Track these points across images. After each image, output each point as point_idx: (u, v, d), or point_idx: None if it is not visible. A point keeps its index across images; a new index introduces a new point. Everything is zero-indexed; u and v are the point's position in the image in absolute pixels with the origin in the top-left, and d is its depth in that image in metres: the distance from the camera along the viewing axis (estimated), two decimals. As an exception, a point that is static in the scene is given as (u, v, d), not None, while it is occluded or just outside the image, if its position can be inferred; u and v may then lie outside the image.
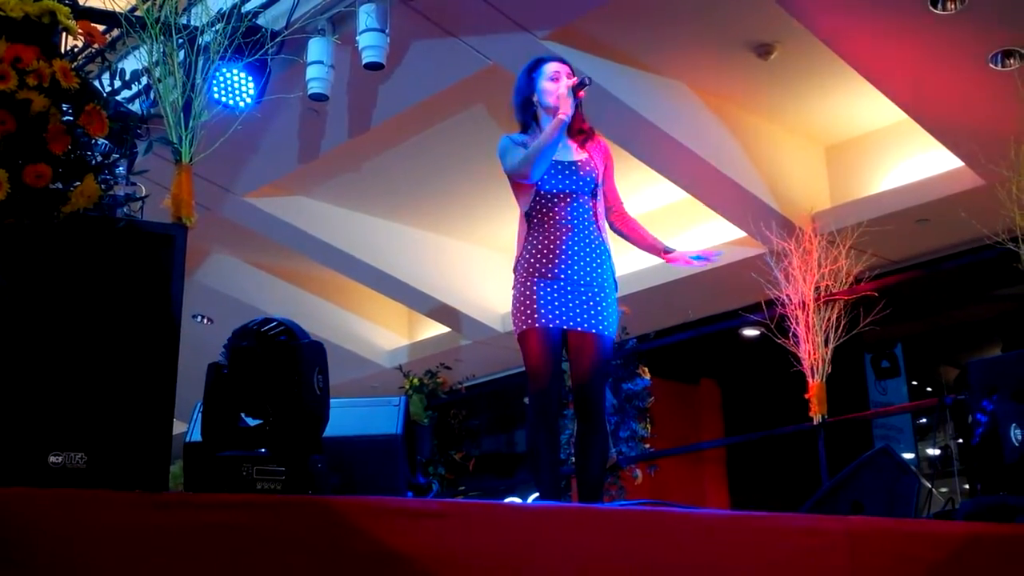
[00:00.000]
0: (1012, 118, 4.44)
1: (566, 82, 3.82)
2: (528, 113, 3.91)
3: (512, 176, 3.83)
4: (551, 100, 3.82)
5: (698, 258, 4.01)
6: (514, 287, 3.80)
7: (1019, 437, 3.41)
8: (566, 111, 3.74)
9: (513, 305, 3.79)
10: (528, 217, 3.81)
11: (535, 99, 3.88)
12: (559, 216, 3.78)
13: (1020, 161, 4.34)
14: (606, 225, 3.93)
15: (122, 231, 2.35)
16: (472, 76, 6.64)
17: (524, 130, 3.92)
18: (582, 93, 3.81)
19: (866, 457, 4.06)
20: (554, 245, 3.75)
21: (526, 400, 3.86)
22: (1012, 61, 5.77)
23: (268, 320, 2.75)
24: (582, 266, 3.77)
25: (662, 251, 4.02)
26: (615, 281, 3.88)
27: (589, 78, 3.84)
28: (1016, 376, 3.68)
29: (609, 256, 3.87)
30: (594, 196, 3.86)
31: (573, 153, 3.86)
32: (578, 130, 3.89)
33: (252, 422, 2.67)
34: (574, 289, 3.74)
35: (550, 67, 3.89)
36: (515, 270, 3.82)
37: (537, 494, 3.79)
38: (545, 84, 3.86)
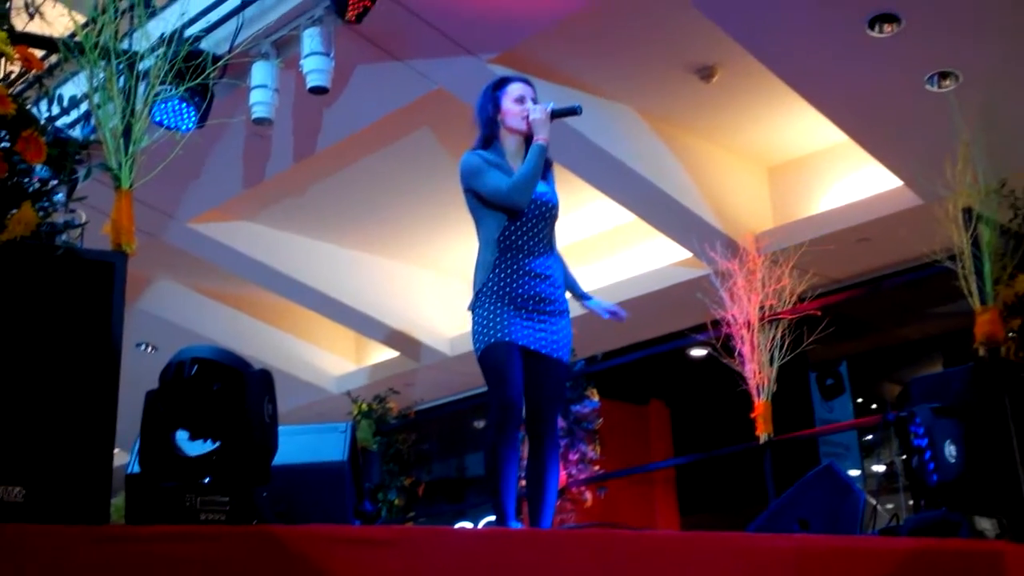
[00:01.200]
0: (948, 138, 4.52)
1: (534, 106, 3.83)
2: (492, 130, 3.89)
3: (498, 201, 3.77)
4: (515, 122, 3.85)
5: (610, 313, 4.06)
6: (478, 308, 3.76)
7: (953, 454, 3.46)
8: (545, 137, 3.77)
9: (478, 325, 3.74)
10: (497, 242, 3.79)
11: (499, 118, 3.87)
12: (528, 242, 3.80)
13: (957, 180, 4.41)
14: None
15: (60, 259, 2.32)
16: (418, 100, 6.65)
17: (485, 146, 3.90)
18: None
19: (811, 476, 4.11)
20: (523, 271, 3.76)
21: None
22: (948, 82, 5.90)
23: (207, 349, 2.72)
24: (548, 292, 3.80)
25: (581, 296, 4.08)
26: (567, 305, 3.91)
27: (580, 107, 3.86)
28: (954, 392, 3.75)
29: (563, 281, 3.92)
30: (554, 225, 3.90)
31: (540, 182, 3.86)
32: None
33: (192, 451, 2.63)
34: (540, 314, 3.76)
35: (515, 88, 3.89)
36: (480, 293, 3.78)
37: (491, 518, 3.76)
38: (510, 105, 3.86)
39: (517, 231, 3.78)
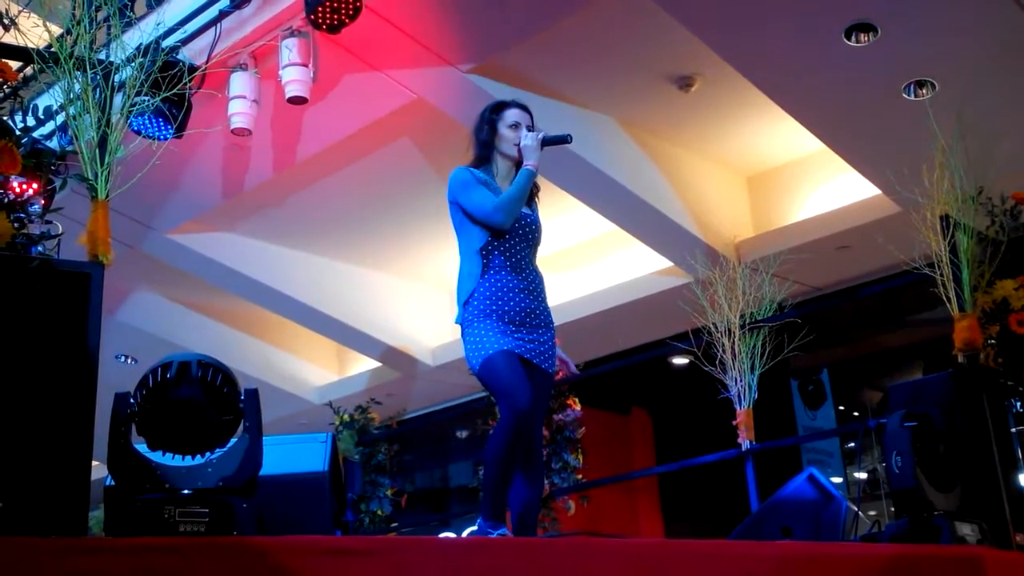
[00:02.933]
0: (925, 146, 4.54)
1: (526, 134, 3.93)
2: (485, 151, 4.00)
3: (483, 221, 3.85)
4: (508, 148, 3.95)
5: (561, 361, 4.06)
6: (468, 327, 3.82)
7: (898, 464, 3.49)
8: (534, 163, 3.88)
9: (473, 342, 3.79)
10: (480, 255, 3.85)
11: (494, 142, 3.98)
12: (510, 259, 3.87)
13: (934, 187, 4.43)
14: None
15: (36, 270, 2.30)
16: (397, 110, 6.65)
17: (477, 165, 3.99)
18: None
19: (793, 483, 4.11)
20: (507, 286, 3.83)
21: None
22: (924, 91, 5.94)
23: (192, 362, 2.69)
24: (533, 306, 3.86)
25: None
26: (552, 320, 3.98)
27: (571, 136, 3.98)
28: (933, 399, 3.76)
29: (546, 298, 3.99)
30: (536, 247, 4.01)
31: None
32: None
33: (164, 460, 2.60)
34: (527, 327, 3.82)
35: (511, 113, 4.00)
36: (468, 308, 3.83)
37: (473, 528, 3.77)
38: (505, 131, 3.97)
39: (500, 247, 3.86)
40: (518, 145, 3.92)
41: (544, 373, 3.84)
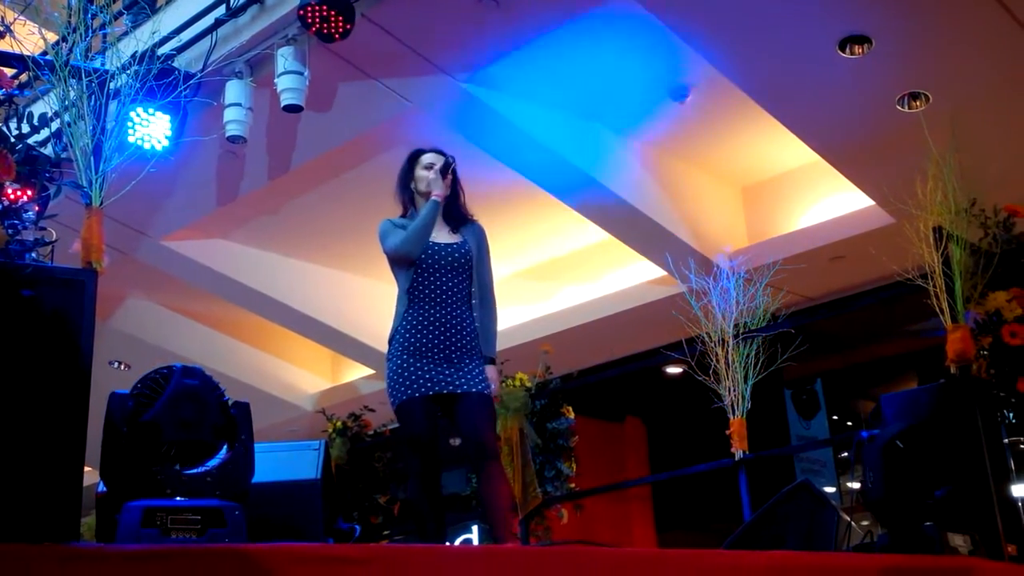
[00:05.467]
0: (918, 157, 4.56)
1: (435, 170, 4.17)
2: (407, 196, 4.25)
3: (392, 255, 4.10)
4: (425, 186, 4.18)
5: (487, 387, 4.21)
6: (388, 360, 4.04)
7: (872, 478, 3.53)
8: (439, 192, 4.12)
9: (389, 378, 4.02)
10: (407, 293, 4.07)
11: (412, 185, 4.23)
12: (433, 292, 4.06)
13: (926, 199, 4.45)
14: (478, 301, 4.19)
15: (30, 277, 2.30)
16: (393, 119, 6.65)
17: (404, 213, 4.25)
18: (448, 176, 4.15)
19: (785, 492, 4.12)
20: (427, 320, 4.03)
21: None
22: (918, 103, 5.96)
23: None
24: (453, 341, 4.03)
25: (486, 357, 4.22)
26: (479, 348, 4.12)
27: (453, 158, 4.21)
28: (925, 409, 3.77)
29: (475, 327, 4.13)
30: (468, 275, 4.16)
31: (447, 235, 4.16)
32: (454, 215, 4.21)
33: (156, 467, 2.61)
34: (445, 361, 4.00)
35: (427, 157, 4.24)
36: (390, 342, 4.06)
37: (469, 536, 3.88)
38: (420, 172, 4.22)
39: (423, 282, 4.08)
40: (429, 183, 4.16)
41: (474, 395, 3.99)
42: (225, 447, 2.76)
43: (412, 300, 4.05)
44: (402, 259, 4.06)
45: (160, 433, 2.64)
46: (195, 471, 2.67)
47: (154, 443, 2.60)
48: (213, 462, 2.70)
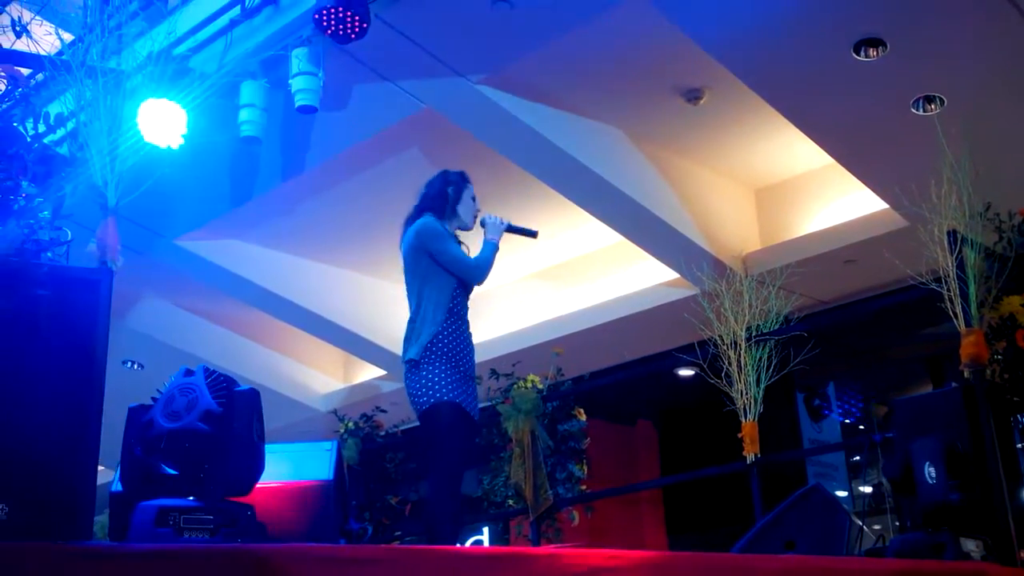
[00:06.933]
0: (933, 160, 4.55)
1: (491, 215, 4.35)
2: (446, 207, 4.34)
3: (456, 269, 4.18)
4: (467, 215, 4.34)
5: None
6: (427, 365, 4.05)
7: (933, 475, 3.47)
8: (498, 241, 4.32)
9: (427, 382, 4.03)
10: (447, 304, 4.16)
11: (458, 204, 4.34)
12: (465, 311, 4.25)
13: (941, 202, 4.44)
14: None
15: (45, 276, 2.31)
16: (406, 120, 6.66)
17: (440, 216, 4.33)
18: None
19: (797, 496, 4.11)
20: (463, 336, 4.18)
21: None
22: (933, 106, 5.94)
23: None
24: (474, 359, 4.24)
25: None
26: None
27: (536, 232, 4.43)
28: (939, 414, 3.76)
29: None
30: None
31: None
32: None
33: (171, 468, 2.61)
34: (471, 380, 4.17)
35: (473, 188, 4.41)
36: (429, 350, 4.06)
37: (480, 537, 3.92)
38: (469, 200, 4.37)
39: (462, 299, 4.21)
40: (475, 216, 4.34)
41: (475, 423, 4.17)
42: (238, 446, 2.75)
43: (450, 313, 4.16)
44: (467, 283, 4.22)
45: (153, 428, 2.63)
46: (209, 471, 2.67)
47: (155, 441, 2.60)
48: (226, 462, 2.69)
